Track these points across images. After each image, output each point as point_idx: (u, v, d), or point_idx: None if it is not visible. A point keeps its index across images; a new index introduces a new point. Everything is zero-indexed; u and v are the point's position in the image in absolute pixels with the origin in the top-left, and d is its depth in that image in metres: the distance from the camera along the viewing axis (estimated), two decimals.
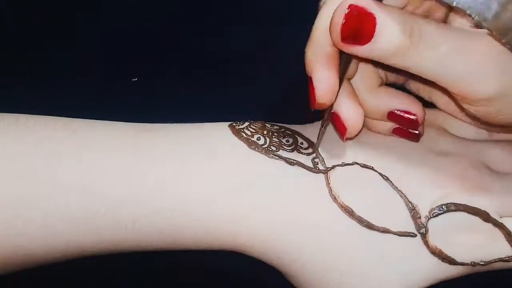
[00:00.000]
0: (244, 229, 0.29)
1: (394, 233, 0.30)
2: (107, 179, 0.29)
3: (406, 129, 0.31)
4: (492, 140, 0.34)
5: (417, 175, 0.31)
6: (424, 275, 0.30)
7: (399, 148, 0.32)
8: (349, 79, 0.31)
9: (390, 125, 0.32)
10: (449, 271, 0.30)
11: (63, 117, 0.31)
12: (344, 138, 0.31)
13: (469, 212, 0.30)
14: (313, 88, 0.29)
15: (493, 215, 0.30)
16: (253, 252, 0.30)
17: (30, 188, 0.28)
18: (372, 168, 0.31)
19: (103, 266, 0.35)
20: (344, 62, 0.29)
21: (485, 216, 0.30)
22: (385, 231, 0.29)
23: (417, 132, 0.31)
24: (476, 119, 0.33)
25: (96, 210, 0.29)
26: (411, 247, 0.30)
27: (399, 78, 0.35)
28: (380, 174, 0.31)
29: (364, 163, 0.31)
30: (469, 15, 0.25)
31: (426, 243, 0.30)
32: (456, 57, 0.26)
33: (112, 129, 0.31)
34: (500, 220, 0.30)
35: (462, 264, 0.30)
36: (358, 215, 0.29)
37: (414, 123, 0.31)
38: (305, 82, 0.38)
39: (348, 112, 0.30)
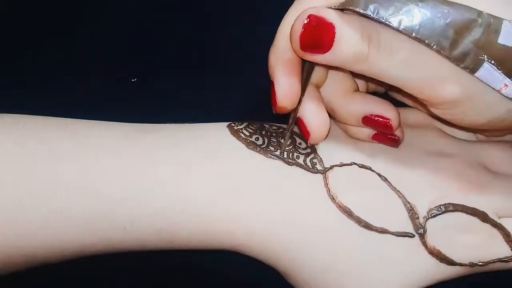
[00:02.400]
0: (243, 229, 0.29)
1: (392, 234, 0.30)
2: (106, 179, 0.29)
3: (385, 134, 0.31)
4: (490, 141, 0.34)
5: (416, 175, 0.31)
6: (423, 275, 0.30)
7: (397, 149, 0.32)
8: (318, 87, 0.32)
9: (369, 131, 0.31)
10: (448, 271, 0.30)
11: (63, 118, 0.32)
12: (308, 143, 0.31)
13: (467, 213, 0.30)
14: (274, 92, 0.29)
15: (492, 215, 0.30)
16: (251, 252, 0.30)
17: (30, 188, 0.28)
18: (370, 169, 0.31)
19: (102, 267, 0.35)
20: (307, 69, 0.30)
21: (483, 217, 0.30)
22: (383, 231, 0.29)
23: (395, 137, 0.31)
24: (446, 122, 0.33)
25: (96, 210, 0.29)
26: (409, 248, 0.30)
27: (380, 87, 0.35)
28: (379, 175, 0.31)
29: (363, 163, 0.31)
30: (428, 45, 0.26)
31: (424, 243, 0.30)
32: (416, 61, 0.27)
33: (111, 129, 0.31)
34: (499, 221, 0.30)
35: (461, 264, 0.30)
36: (356, 215, 0.29)
37: (389, 127, 0.30)
38: None
39: (311, 117, 0.30)
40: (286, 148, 0.31)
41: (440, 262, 0.30)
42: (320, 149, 0.31)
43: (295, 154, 0.31)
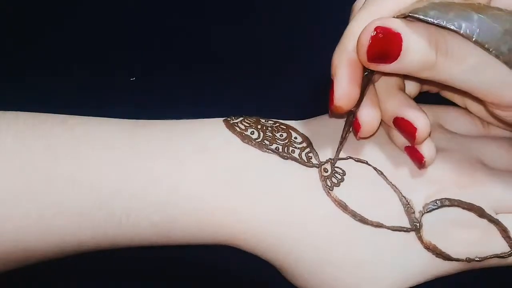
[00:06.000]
0: (237, 223, 0.29)
1: (388, 228, 0.29)
2: (102, 173, 0.29)
3: (414, 150, 0.31)
4: (489, 136, 0.34)
5: (412, 170, 0.31)
6: (418, 270, 0.30)
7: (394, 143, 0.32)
8: (373, 83, 0.31)
9: (404, 140, 0.31)
10: (444, 266, 0.30)
11: (61, 114, 0.32)
12: (358, 137, 0.31)
13: (463, 208, 0.30)
14: (332, 91, 0.29)
15: (488, 211, 0.30)
16: (246, 246, 0.30)
17: (27, 182, 0.29)
18: (367, 163, 0.31)
19: (101, 266, 0.35)
20: (369, 75, 0.29)
21: (480, 212, 0.30)
22: (379, 225, 0.29)
23: (421, 158, 0.30)
24: (507, 124, 0.33)
25: (91, 203, 0.29)
26: (405, 242, 0.30)
27: (432, 87, 0.35)
28: (375, 169, 0.31)
29: (359, 157, 0.31)
30: (487, 49, 0.26)
31: (419, 238, 0.30)
32: (485, 67, 0.26)
33: (108, 124, 0.31)
34: (496, 216, 0.30)
35: (457, 259, 0.30)
36: (351, 209, 0.29)
37: (412, 137, 0.30)
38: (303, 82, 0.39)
39: (364, 112, 0.30)
40: (281, 142, 0.31)
41: (436, 257, 0.30)
42: (315, 143, 0.31)
43: (291, 148, 0.31)
